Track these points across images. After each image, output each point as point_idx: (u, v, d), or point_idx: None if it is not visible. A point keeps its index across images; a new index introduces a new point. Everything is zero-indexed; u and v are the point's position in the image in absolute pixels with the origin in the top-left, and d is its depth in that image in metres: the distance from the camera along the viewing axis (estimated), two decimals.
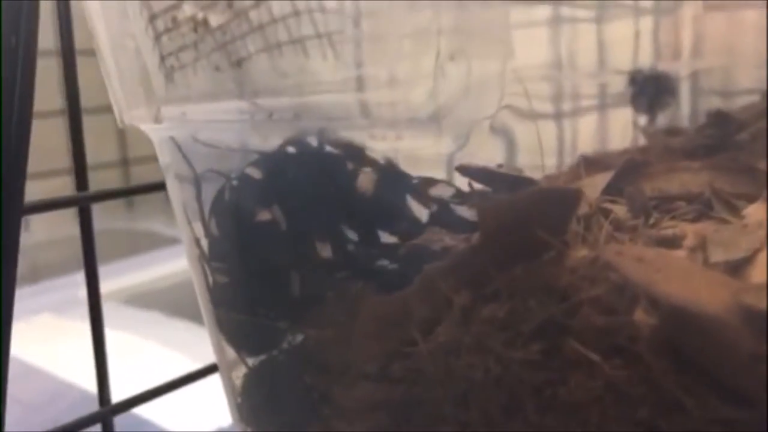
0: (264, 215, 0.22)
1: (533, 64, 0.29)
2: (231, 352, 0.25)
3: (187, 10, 0.19)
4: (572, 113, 0.35)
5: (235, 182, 0.22)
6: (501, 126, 0.20)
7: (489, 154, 0.24)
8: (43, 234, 0.79)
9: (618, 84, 0.35)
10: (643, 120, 0.36)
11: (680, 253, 0.19)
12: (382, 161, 0.21)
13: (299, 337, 0.23)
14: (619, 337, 0.17)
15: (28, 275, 0.77)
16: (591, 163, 0.34)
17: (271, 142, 0.21)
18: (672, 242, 0.20)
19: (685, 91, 0.38)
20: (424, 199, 0.21)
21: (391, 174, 0.20)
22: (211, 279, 0.25)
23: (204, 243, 0.24)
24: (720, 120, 0.36)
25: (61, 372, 0.54)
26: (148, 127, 0.23)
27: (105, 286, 0.70)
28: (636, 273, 0.17)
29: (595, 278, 0.18)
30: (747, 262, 0.19)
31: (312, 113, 0.19)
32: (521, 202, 0.19)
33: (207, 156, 0.23)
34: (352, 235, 0.21)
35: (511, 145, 0.33)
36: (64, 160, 0.85)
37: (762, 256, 0.19)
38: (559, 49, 0.30)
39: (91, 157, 0.32)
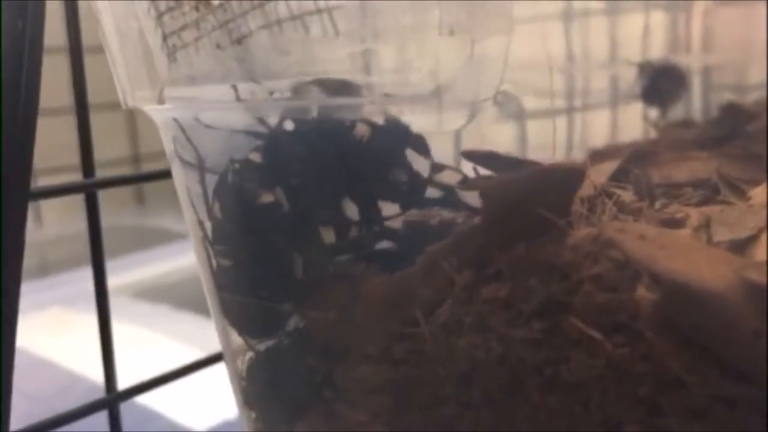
0: (265, 197, 0.22)
1: (542, 56, 0.29)
2: (235, 337, 0.25)
3: None
4: (583, 106, 0.35)
5: (236, 165, 0.22)
6: (508, 112, 0.20)
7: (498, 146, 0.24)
8: (53, 229, 0.79)
9: (628, 77, 0.35)
10: (653, 113, 0.36)
11: (684, 232, 0.19)
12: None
13: (302, 320, 0.23)
14: (620, 314, 0.17)
15: (38, 270, 0.77)
16: (600, 155, 0.33)
17: (272, 121, 0.21)
18: (676, 223, 0.20)
19: (696, 85, 0.38)
20: (427, 179, 0.20)
21: (390, 126, 0.20)
22: (215, 262, 0.25)
23: (207, 226, 0.24)
24: (732, 112, 0.36)
25: (69, 364, 0.54)
26: (151, 109, 0.23)
27: (114, 281, 0.70)
28: (638, 250, 0.17)
29: (596, 256, 0.18)
30: (751, 240, 0.18)
31: (312, 91, 0.19)
32: (523, 181, 0.19)
33: (211, 138, 0.23)
34: (354, 214, 0.21)
35: (521, 138, 0.33)
36: (74, 156, 0.86)
37: (765, 235, 0.18)
38: (570, 41, 0.30)
39: (101, 153, 0.32)
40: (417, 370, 0.21)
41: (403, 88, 0.18)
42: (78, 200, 0.33)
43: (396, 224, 0.22)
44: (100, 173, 0.32)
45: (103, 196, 0.33)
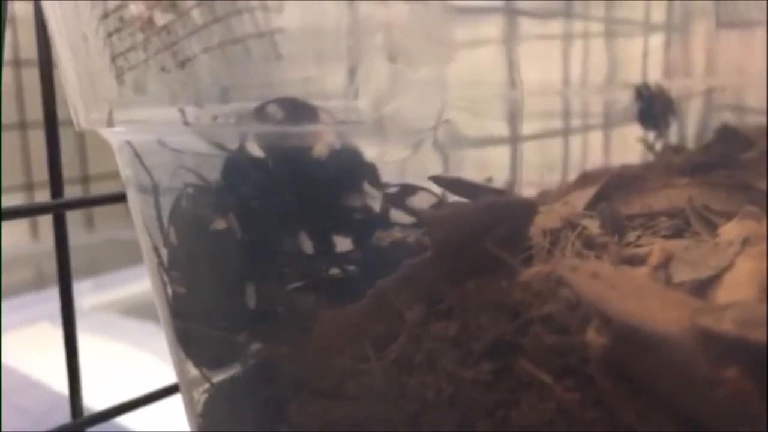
0: (218, 223, 0.21)
1: (541, 80, 0.29)
2: (191, 368, 0.24)
3: (134, 9, 0.19)
4: (580, 129, 0.34)
5: (190, 189, 0.22)
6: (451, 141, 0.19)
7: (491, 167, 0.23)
8: (49, 242, 0.79)
9: (625, 100, 0.34)
10: (650, 136, 0.35)
11: (641, 271, 0.18)
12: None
13: (257, 353, 0.23)
14: (570, 357, 0.16)
15: (35, 283, 0.77)
16: (590, 179, 0.33)
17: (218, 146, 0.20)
18: (637, 260, 0.19)
19: (696, 108, 0.37)
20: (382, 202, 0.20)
21: (342, 154, 0.19)
22: (170, 289, 0.24)
23: (162, 252, 0.24)
24: (727, 137, 0.35)
25: (58, 383, 0.54)
26: (104, 132, 0.23)
27: (103, 297, 0.69)
28: (589, 290, 0.16)
29: (547, 294, 0.17)
30: (713, 281, 0.18)
31: (256, 117, 0.18)
32: (472, 215, 0.18)
33: (165, 161, 0.23)
34: (307, 245, 0.20)
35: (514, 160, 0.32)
36: (19, 176, 0.85)
37: (729, 276, 0.17)
38: (567, 64, 0.29)
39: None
40: (369, 407, 0.20)
41: (349, 115, 0.17)
42: (74, 217, 0.32)
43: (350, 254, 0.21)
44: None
45: (96, 209, 0.33)
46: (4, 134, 0.78)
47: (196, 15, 0.18)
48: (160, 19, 0.18)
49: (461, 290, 0.18)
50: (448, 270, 0.18)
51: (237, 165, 0.21)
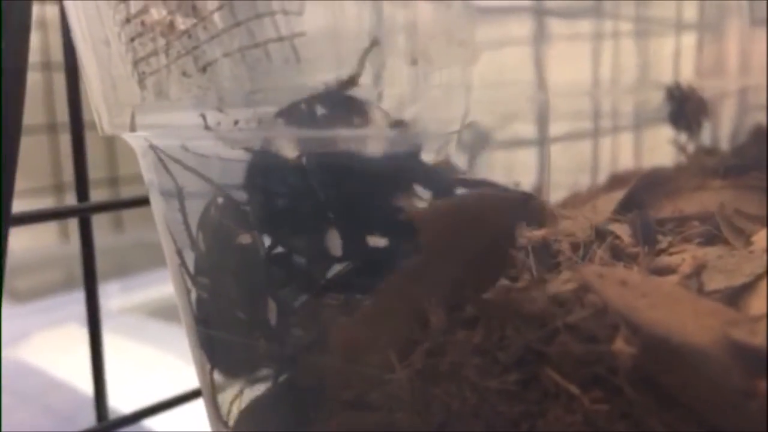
0: (243, 238, 0.21)
1: (569, 81, 0.28)
2: (214, 373, 0.24)
3: (155, 13, 0.19)
4: (610, 131, 0.33)
5: (219, 199, 0.21)
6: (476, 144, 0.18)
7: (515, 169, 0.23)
8: (79, 243, 0.79)
9: (656, 100, 0.33)
10: (682, 138, 0.34)
11: (671, 279, 0.17)
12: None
13: (279, 362, 0.22)
14: (598, 367, 0.16)
15: (65, 284, 0.77)
16: (619, 181, 0.32)
17: (238, 151, 0.20)
18: (667, 270, 0.18)
19: (730, 108, 0.36)
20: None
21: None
22: (194, 295, 0.24)
23: (188, 255, 0.24)
24: (761, 138, 0.34)
25: (86, 384, 0.54)
26: (128, 136, 0.23)
27: (131, 299, 0.70)
28: (617, 297, 0.16)
29: (574, 302, 0.16)
30: (747, 289, 0.17)
31: (277, 121, 0.18)
32: (461, 209, 0.18)
33: (190, 165, 0.22)
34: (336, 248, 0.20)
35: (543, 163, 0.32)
36: (47, 178, 0.86)
37: (763, 283, 0.17)
38: (597, 65, 0.29)
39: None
40: (393, 417, 0.20)
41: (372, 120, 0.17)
42: (102, 219, 0.33)
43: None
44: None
45: (125, 211, 0.33)
46: (34, 137, 0.78)
47: (217, 19, 0.18)
48: (181, 23, 0.18)
49: (484, 299, 0.18)
50: (440, 269, 0.18)
51: (262, 169, 0.20)
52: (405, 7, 0.15)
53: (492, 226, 0.17)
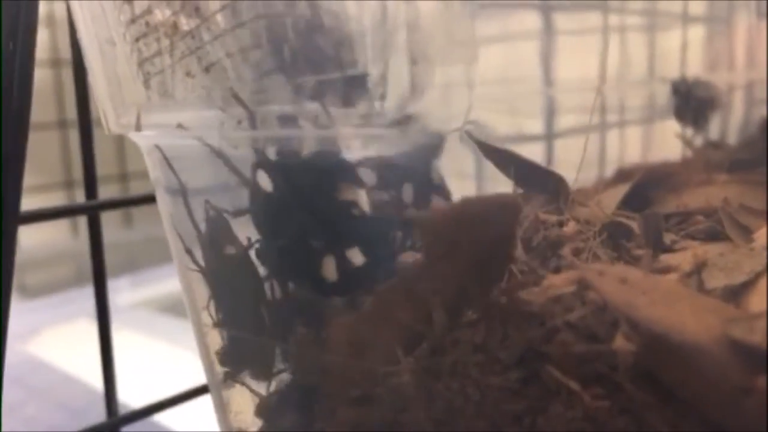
0: (229, 249, 0.21)
1: (576, 76, 0.28)
2: (220, 369, 0.25)
3: (159, 14, 0.19)
4: (617, 125, 0.33)
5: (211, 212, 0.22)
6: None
7: None
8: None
9: (663, 95, 0.33)
10: (688, 132, 0.34)
11: (671, 276, 0.17)
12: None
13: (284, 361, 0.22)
14: (598, 364, 0.16)
15: (75, 280, 0.78)
16: (625, 176, 0.32)
17: (242, 151, 0.20)
18: (668, 268, 0.18)
19: (737, 102, 0.36)
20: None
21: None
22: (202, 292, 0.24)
23: (196, 253, 0.24)
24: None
25: (96, 379, 0.55)
26: (134, 136, 0.23)
27: (141, 294, 0.70)
28: (617, 295, 0.16)
29: (574, 300, 0.17)
30: (747, 286, 0.17)
31: (277, 121, 0.18)
32: (463, 212, 0.18)
33: (196, 164, 0.23)
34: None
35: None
36: (58, 174, 0.86)
37: (763, 281, 0.17)
38: (604, 59, 0.29)
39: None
40: (397, 413, 0.20)
41: (374, 118, 0.17)
42: (112, 214, 0.33)
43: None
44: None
45: (136, 207, 0.33)
46: (44, 133, 0.79)
47: (220, 20, 0.18)
48: (185, 24, 0.18)
49: (486, 298, 0.18)
50: (442, 272, 0.18)
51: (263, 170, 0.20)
52: (405, 6, 0.16)
53: (492, 229, 0.17)
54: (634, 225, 0.22)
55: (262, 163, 0.19)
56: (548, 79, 0.26)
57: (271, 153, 0.19)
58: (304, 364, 0.21)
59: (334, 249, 0.19)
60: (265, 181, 0.19)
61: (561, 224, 0.19)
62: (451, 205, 0.19)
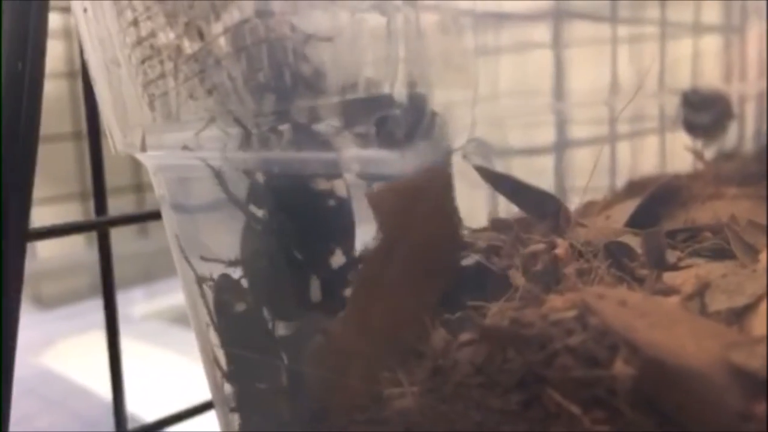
0: (239, 306, 0.21)
1: (586, 88, 0.28)
2: (228, 388, 0.25)
3: (163, 37, 0.19)
4: (628, 136, 0.33)
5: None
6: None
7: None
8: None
9: (673, 106, 0.33)
10: (698, 144, 0.34)
11: (672, 299, 0.17)
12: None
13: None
14: (598, 388, 0.16)
15: (90, 291, 0.78)
16: (636, 188, 0.32)
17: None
18: (670, 290, 0.18)
19: (749, 113, 0.36)
20: None
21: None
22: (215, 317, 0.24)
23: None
24: None
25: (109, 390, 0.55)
26: (140, 155, 0.23)
27: (154, 305, 0.70)
28: (616, 318, 0.16)
29: (574, 324, 0.16)
30: (749, 309, 0.17)
31: (280, 143, 0.18)
32: (412, 186, 0.18)
33: (202, 182, 0.23)
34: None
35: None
36: (73, 185, 0.87)
37: (765, 304, 0.17)
38: (615, 70, 0.29)
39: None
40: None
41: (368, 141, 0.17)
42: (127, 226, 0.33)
43: None
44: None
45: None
46: (60, 145, 0.79)
47: (223, 43, 0.18)
48: (188, 47, 0.18)
49: (485, 321, 0.18)
50: (399, 253, 0.18)
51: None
52: (406, 32, 0.16)
53: (442, 201, 0.17)
54: (637, 244, 0.22)
55: (253, 185, 0.20)
56: (558, 93, 0.26)
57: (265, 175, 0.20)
58: (303, 378, 0.21)
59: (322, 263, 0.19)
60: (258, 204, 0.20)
61: (553, 247, 0.19)
62: (396, 182, 0.19)
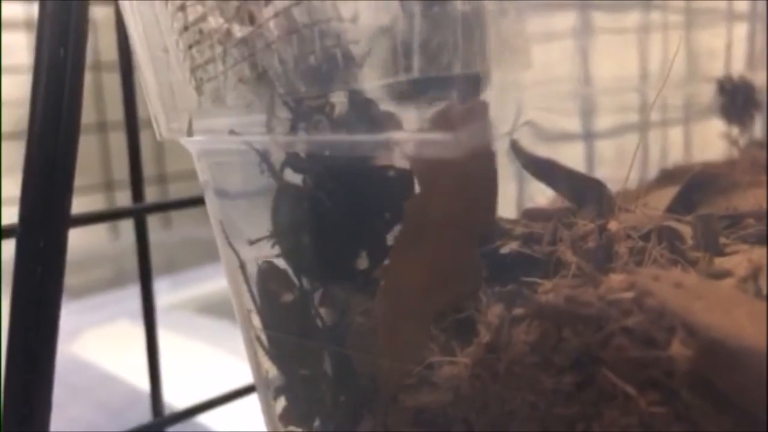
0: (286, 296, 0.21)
1: (618, 75, 0.28)
2: (271, 370, 0.25)
3: (212, 22, 0.19)
4: (659, 124, 0.33)
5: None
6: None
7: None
8: (128, 241, 0.81)
9: (707, 94, 0.33)
10: (734, 131, 0.34)
11: (728, 281, 0.17)
12: None
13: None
14: (654, 370, 0.16)
15: (115, 281, 0.79)
16: (669, 177, 0.32)
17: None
18: (724, 274, 0.18)
19: None
20: None
21: None
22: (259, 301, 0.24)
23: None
24: None
25: (136, 379, 0.55)
26: (185, 141, 0.23)
27: (180, 295, 0.70)
28: (673, 300, 0.16)
29: (630, 305, 0.16)
30: None
31: (331, 125, 0.18)
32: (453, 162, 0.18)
33: (247, 167, 0.23)
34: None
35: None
36: (98, 176, 0.87)
37: None
38: (647, 58, 0.29)
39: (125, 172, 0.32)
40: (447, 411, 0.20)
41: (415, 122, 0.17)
42: (151, 216, 0.33)
43: None
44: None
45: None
46: (84, 136, 0.80)
47: (273, 27, 0.18)
48: (238, 31, 0.18)
49: (540, 300, 0.18)
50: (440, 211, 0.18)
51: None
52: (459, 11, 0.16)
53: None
54: (685, 228, 0.22)
55: (292, 164, 0.20)
56: (588, 79, 0.26)
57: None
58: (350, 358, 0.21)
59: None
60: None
61: (604, 227, 0.19)
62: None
